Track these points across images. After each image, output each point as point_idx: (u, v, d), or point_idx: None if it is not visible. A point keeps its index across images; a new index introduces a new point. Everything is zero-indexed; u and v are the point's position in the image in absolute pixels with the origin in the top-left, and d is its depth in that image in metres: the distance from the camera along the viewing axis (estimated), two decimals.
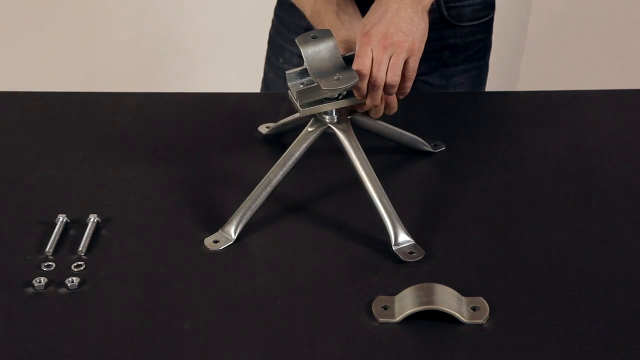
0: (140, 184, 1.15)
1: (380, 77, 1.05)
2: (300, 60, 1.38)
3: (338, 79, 1.03)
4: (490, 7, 1.43)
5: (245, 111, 1.35)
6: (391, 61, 1.05)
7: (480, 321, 0.91)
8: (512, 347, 0.89)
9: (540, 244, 1.04)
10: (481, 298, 0.94)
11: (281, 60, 1.48)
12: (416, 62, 1.08)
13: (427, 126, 1.30)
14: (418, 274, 0.98)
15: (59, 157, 1.22)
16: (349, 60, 1.06)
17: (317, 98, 1.07)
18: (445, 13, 1.37)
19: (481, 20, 1.42)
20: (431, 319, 0.91)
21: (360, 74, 1.04)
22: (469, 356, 0.88)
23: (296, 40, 1.07)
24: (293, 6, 1.41)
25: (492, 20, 1.45)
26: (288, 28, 1.45)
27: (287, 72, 1.09)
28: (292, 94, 1.07)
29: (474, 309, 0.92)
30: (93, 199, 1.12)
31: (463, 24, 1.40)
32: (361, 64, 1.04)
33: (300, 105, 1.06)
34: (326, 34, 1.07)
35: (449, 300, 0.92)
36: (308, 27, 1.41)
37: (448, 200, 1.13)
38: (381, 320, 0.92)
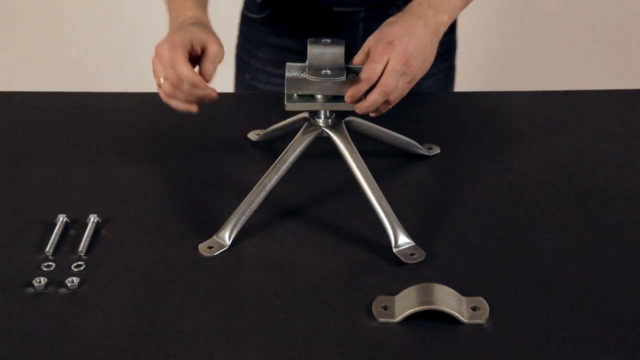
0: (140, 184, 1.15)
1: (391, 84, 1.02)
2: (268, 77, 1.40)
3: (326, 73, 1.02)
4: None
5: (244, 111, 1.35)
6: (400, 79, 1.03)
7: (480, 321, 0.91)
8: (512, 347, 0.89)
9: (540, 244, 1.04)
10: (481, 298, 0.94)
11: (248, 76, 1.48)
12: (409, 89, 1.07)
13: (426, 127, 1.30)
14: (418, 275, 0.98)
15: (59, 157, 1.22)
16: (350, 70, 1.05)
17: (306, 92, 1.04)
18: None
19: None
20: (431, 319, 0.91)
21: (368, 78, 1.01)
22: (469, 356, 0.88)
23: (308, 40, 1.06)
24: (256, 22, 1.41)
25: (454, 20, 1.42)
26: (252, 44, 1.45)
27: (287, 63, 1.07)
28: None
29: (474, 309, 0.92)
30: (93, 199, 1.12)
31: None
32: (373, 69, 1.01)
33: (287, 94, 1.05)
34: (339, 43, 1.05)
35: (449, 300, 0.92)
36: (272, 44, 1.42)
37: (447, 201, 1.13)
38: (381, 320, 0.92)
